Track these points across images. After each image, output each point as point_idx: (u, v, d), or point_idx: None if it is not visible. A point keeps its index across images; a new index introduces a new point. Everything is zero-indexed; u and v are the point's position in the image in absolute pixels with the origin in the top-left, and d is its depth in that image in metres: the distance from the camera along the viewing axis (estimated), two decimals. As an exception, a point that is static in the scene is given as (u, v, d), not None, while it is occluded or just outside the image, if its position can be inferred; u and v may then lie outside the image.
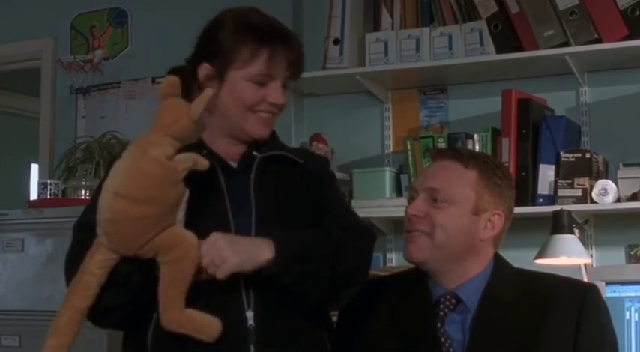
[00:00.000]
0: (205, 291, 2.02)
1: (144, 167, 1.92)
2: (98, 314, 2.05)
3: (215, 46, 2.16)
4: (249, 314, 2.07)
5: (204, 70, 2.16)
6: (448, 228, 2.18)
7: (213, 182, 2.12)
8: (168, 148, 1.95)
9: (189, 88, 2.17)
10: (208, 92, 2.04)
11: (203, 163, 1.99)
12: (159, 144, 1.95)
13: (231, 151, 2.18)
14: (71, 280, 2.05)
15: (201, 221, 2.04)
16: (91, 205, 2.12)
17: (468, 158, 2.25)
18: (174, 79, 2.04)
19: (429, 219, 2.19)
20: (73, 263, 2.06)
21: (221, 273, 1.97)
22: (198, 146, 2.11)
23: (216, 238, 1.99)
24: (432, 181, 2.23)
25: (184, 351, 2.02)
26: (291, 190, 2.19)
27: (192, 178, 2.01)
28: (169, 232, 1.95)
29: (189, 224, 2.02)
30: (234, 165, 2.18)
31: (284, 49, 2.15)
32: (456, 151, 2.37)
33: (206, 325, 1.98)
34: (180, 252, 1.95)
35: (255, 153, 2.18)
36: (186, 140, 2.00)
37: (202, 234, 2.00)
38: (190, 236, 1.97)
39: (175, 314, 1.96)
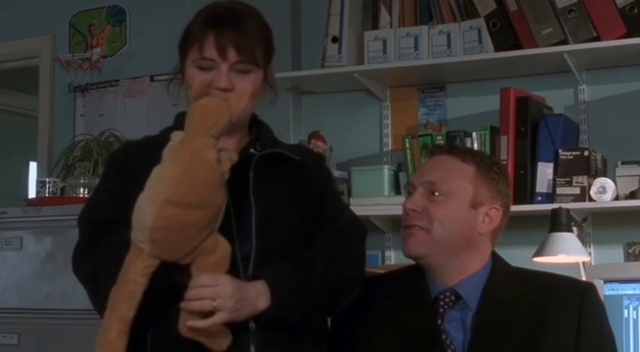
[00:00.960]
0: None
1: (200, 173, 1.89)
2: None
3: (180, 38, 2.23)
4: None
5: (178, 63, 2.23)
6: (446, 222, 2.19)
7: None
8: (215, 151, 1.93)
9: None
10: (247, 88, 2.04)
11: (234, 158, 1.99)
12: (209, 147, 1.92)
13: (226, 145, 2.15)
14: (85, 274, 2.04)
15: None
16: (98, 199, 2.14)
17: (464, 153, 2.27)
18: (206, 79, 2.03)
19: (427, 213, 2.19)
20: (86, 256, 2.06)
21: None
22: None
23: (225, 282, 1.96)
24: (430, 175, 2.24)
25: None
26: (289, 188, 2.18)
27: None
28: (212, 237, 1.93)
29: None
30: None
31: (217, 32, 2.13)
32: (452, 146, 2.40)
33: (219, 335, 1.98)
34: (218, 257, 1.94)
35: (252, 150, 2.17)
36: (221, 138, 1.97)
37: None
38: (225, 242, 1.96)
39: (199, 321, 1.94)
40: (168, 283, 1.98)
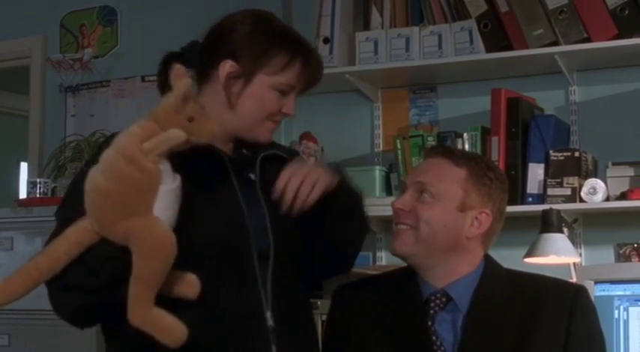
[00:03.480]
0: (224, 294, 2.02)
1: (120, 145, 1.89)
2: (57, 289, 1.97)
3: (243, 46, 2.14)
4: (268, 314, 2.07)
5: (229, 67, 2.13)
6: (432, 223, 2.19)
7: (225, 181, 2.11)
8: (137, 135, 1.90)
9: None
10: (185, 82, 1.94)
11: (178, 135, 1.88)
12: (130, 133, 1.92)
13: (224, 148, 2.17)
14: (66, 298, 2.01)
15: (215, 219, 2.04)
16: (74, 197, 2.03)
17: (459, 157, 2.26)
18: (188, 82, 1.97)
19: (415, 213, 2.20)
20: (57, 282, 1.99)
21: (316, 193, 2.05)
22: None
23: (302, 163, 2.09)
24: (421, 176, 2.24)
25: None
26: None
27: (203, 175, 2.03)
28: (142, 222, 1.86)
29: (202, 221, 2.00)
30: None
31: (314, 63, 2.18)
32: (448, 149, 2.41)
33: (169, 330, 1.88)
34: (152, 245, 1.86)
35: (245, 151, 2.18)
36: (166, 124, 1.91)
37: (218, 233, 2.01)
38: (167, 232, 1.87)
39: (140, 312, 1.88)
40: (112, 266, 1.90)
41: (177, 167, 1.92)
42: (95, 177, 1.88)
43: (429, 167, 2.27)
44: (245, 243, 2.07)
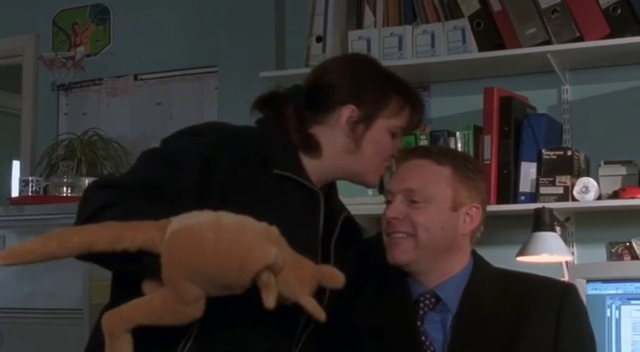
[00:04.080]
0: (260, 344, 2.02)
1: (257, 246, 1.76)
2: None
3: (363, 90, 2.16)
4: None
5: (351, 111, 2.15)
6: (430, 227, 2.18)
7: (314, 216, 2.12)
8: (277, 263, 1.76)
9: (294, 115, 2.16)
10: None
11: (269, 302, 1.77)
12: (281, 255, 1.77)
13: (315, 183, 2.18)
14: (98, 203, 1.87)
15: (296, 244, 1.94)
16: (165, 169, 1.98)
17: (438, 155, 2.25)
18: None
19: (410, 219, 2.18)
20: (115, 189, 1.92)
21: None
22: (303, 173, 2.12)
23: None
24: (408, 182, 2.21)
25: None
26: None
27: (297, 201, 2.05)
28: (197, 291, 1.80)
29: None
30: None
31: (420, 106, 2.25)
32: (425, 149, 2.39)
33: None
34: (183, 311, 1.82)
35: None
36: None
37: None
38: (200, 310, 1.82)
39: (119, 327, 1.83)
40: (135, 269, 1.84)
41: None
42: (205, 232, 1.77)
43: (413, 171, 2.24)
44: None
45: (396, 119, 2.19)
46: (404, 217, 2.19)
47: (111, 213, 1.83)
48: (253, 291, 1.76)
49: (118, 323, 1.84)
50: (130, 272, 1.86)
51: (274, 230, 1.84)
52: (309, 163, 2.16)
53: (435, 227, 2.18)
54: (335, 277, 1.89)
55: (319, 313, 1.84)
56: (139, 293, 1.86)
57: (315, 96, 2.18)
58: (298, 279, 1.83)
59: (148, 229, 1.81)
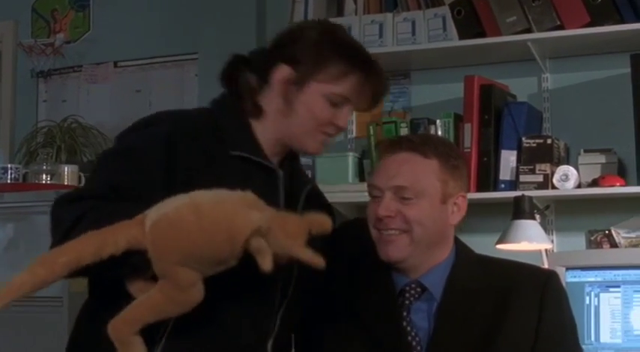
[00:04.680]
0: (241, 317, 2.02)
1: (239, 217, 1.79)
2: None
3: (302, 52, 2.10)
4: (270, 343, 2.09)
5: (284, 72, 2.10)
6: (424, 221, 2.16)
7: (274, 195, 2.09)
8: (262, 228, 1.80)
9: (246, 82, 2.14)
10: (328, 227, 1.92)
11: (266, 265, 1.79)
12: (265, 219, 1.80)
13: (271, 153, 2.15)
14: (69, 219, 1.86)
15: None
16: (126, 169, 1.97)
17: (423, 146, 2.20)
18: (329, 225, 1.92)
19: (402, 216, 2.16)
20: (80, 201, 1.90)
21: None
22: (258, 149, 2.09)
23: None
24: (397, 179, 2.17)
25: None
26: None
27: (254, 180, 2.00)
28: (194, 278, 1.82)
29: None
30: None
31: (374, 79, 2.12)
32: (409, 141, 2.26)
33: None
34: (184, 297, 1.83)
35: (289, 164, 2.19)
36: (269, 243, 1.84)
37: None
38: (201, 292, 1.83)
39: (127, 332, 1.85)
40: (129, 273, 1.87)
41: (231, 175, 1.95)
42: (185, 214, 1.78)
43: (400, 166, 2.19)
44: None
45: (334, 85, 2.08)
46: (396, 214, 2.16)
47: (84, 225, 1.83)
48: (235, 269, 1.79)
49: (124, 329, 1.85)
50: (123, 277, 1.87)
51: (250, 195, 1.84)
52: (260, 129, 2.13)
53: (428, 221, 2.17)
54: (322, 222, 1.88)
55: (316, 260, 1.82)
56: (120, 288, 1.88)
57: (268, 56, 2.16)
58: (287, 235, 1.82)
59: (127, 228, 1.81)
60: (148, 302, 1.85)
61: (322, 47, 2.10)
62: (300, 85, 2.09)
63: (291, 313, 2.12)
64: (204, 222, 1.77)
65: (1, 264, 3.53)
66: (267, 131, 2.13)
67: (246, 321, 2.04)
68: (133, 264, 1.82)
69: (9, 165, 4.00)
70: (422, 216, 2.16)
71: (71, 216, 1.87)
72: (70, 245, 1.81)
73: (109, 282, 1.92)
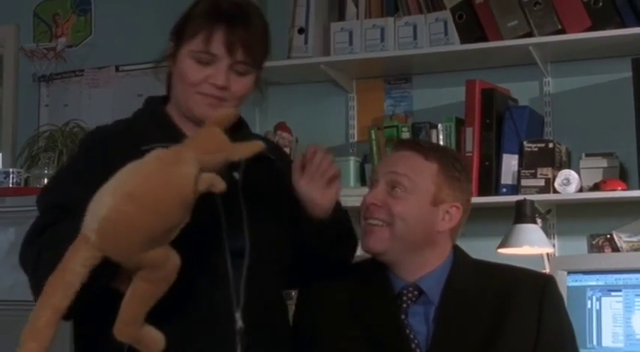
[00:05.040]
0: (195, 292, 2.00)
1: (173, 180, 1.81)
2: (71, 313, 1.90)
3: (175, 26, 2.15)
4: (238, 314, 2.05)
5: (169, 49, 2.14)
6: (407, 218, 2.17)
7: None
8: (197, 170, 1.84)
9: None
10: (260, 146, 1.98)
11: (220, 187, 1.88)
12: (193, 162, 1.84)
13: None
14: (29, 259, 1.94)
15: (191, 220, 1.93)
16: (63, 184, 2.05)
17: (428, 150, 2.24)
18: (232, 113, 1.98)
19: (388, 208, 2.18)
20: (33, 242, 1.96)
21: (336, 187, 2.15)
22: (174, 135, 2.07)
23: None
24: (393, 168, 2.22)
25: None
26: (271, 186, 2.19)
27: None
28: (165, 251, 1.84)
29: None
30: None
31: (228, 29, 2.07)
32: (416, 143, 2.35)
33: (155, 342, 1.90)
34: (165, 272, 1.85)
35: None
36: (206, 170, 1.89)
37: (190, 230, 1.89)
38: (176, 257, 1.86)
39: (134, 329, 1.87)
40: (106, 283, 1.88)
41: None
42: (124, 207, 1.79)
43: (400, 160, 2.24)
44: (218, 241, 2.05)
45: (193, 43, 2.07)
46: (382, 204, 2.19)
47: (44, 258, 1.89)
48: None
49: (129, 329, 1.87)
50: (105, 287, 1.89)
51: (160, 152, 1.85)
52: (173, 113, 2.16)
53: (412, 219, 2.18)
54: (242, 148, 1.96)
55: (253, 146, 1.96)
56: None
57: None
58: (215, 150, 1.89)
59: (75, 254, 1.81)
60: (136, 296, 1.86)
61: (186, 15, 2.14)
62: (175, 56, 2.12)
63: (257, 283, 2.07)
64: (145, 205, 1.78)
65: (4, 268, 3.54)
66: (175, 112, 2.16)
67: (203, 293, 2.03)
68: (104, 274, 1.84)
69: (11, 170, 4.01)
70: (406, 211, 2.17)
71: (32, 255, 1.94)
72: (40, 302, 1.83)
73: (99, 298, 1.92)
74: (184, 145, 1.89)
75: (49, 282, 1.82)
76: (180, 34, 2.12)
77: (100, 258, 1.81)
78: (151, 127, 2.12)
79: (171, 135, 2.06)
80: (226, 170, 2.04)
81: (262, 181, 2.18)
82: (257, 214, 2.11)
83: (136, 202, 1.78)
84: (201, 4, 2.14)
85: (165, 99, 2.22)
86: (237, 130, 2.16)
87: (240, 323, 2.04)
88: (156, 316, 1.89)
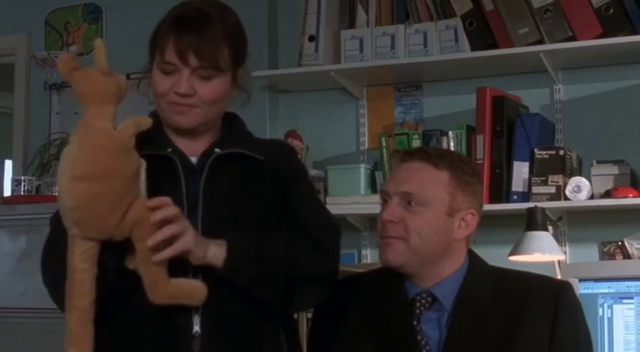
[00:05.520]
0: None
1: (93, 141, 1.89)
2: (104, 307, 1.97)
3: (150, 38, 2.22)
4: (196, 319, 2.03)
5: (149, 62, 2.19)
6: (423, 232, 2.17)
7: (175, 180, 2.09)
8: (109, 117, 1.95)
9: None
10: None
11: (145, 122, 1.97)
12: (99, 115, 1.93)
13: (194, 147, 2.15)
14: (53, 267, 2.00)
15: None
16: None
17: (437, 158, 2.22)
18: (68, 55, 2.04)
19: (404, 223, 2.17)
20: (53, 247, 2.02)
21: (171, 250, 1.93)
22: (162, 143, 2.11)
23: (180, 212, 1.97)
24: (405, 185, 2.20)
25: None
26: (245, 189, 2.14)
27: (155, 174, 2.00)
28: (139, 205, 1.90)
29: None
30: (194, 161, 2.15)
31: (178, 37, 2.10)
32: (424, 152, 2.30)
33: (196, 290, 1.96)
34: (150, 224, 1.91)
35: (216, 149, 2.14)
36: (117, 97, 2.01)
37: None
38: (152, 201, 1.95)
39: (163, 287, 1.92)
40: (115, 264, 1.94)
41: None
42: (77, 189, 1.87)
43: (411, 174, 2.22)
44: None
45: (157, 55, 2.14)
46: (399, 221, 2.18)
47: (56, 277, 1.99)
48: None
49: (158, 291, 1.93)
50: (120, 266, 1.95)
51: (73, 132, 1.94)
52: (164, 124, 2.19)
53: (429, 232, 2.18)
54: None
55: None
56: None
57: None
58: (100, 87, 2.03)
59: (72, 252, 1.91)
60: (144, 258, 1.91)
61: (155, 27, 2.21)
62: (150, 69, 2.19)
63: (220, 288, 2.03)
64: (93, 175, 1.86)
65: (15, 276, 3.55)
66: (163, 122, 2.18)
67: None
68: (107, 258, 1.92)
69: (22, 177, 4.01)
70: (423, 226, 2.17)
71: (49, 276, 2.05)
72: (66, 309, 1.92)
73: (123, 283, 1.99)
74: (83, 107, 1.96)
75: (67, 289, 1.91)
76: (151, 46, 2.19)
77: (95, 246, 1.90)
78: (146, 134, 2.10)
79: (160, 144, 2.12)
80: (200, 169, 2.11)
81: (237, 182, 2.14)
82: (217, 216, 2.08)
83: (84, 180, 1.86)
84: (167, 16, 2.20)
85: None
86: (230, 128, 2.21)
87: (197, 328, 2.02)
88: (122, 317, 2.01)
